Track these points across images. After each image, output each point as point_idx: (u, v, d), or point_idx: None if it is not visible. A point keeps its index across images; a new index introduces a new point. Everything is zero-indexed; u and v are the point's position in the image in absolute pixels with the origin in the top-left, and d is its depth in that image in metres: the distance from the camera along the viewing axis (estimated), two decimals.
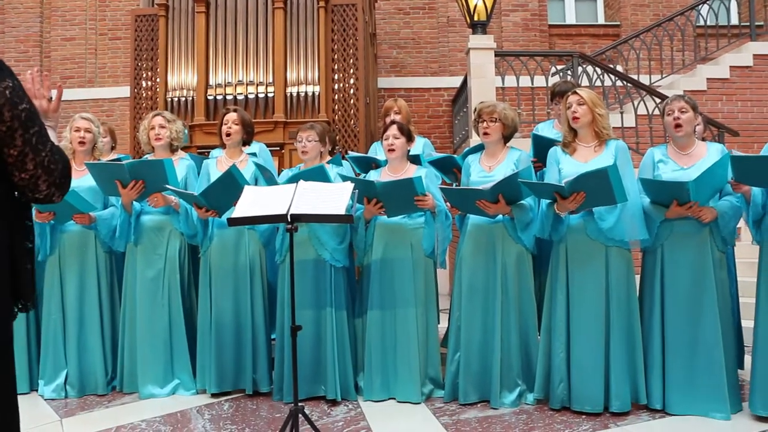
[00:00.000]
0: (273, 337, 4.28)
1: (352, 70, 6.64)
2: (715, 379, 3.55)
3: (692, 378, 3.60)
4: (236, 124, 4.28)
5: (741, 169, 3.39)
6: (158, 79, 6.81)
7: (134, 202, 4.20)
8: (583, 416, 3.63)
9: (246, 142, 4.42)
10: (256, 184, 4.13)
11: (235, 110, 4.37)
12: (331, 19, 6.67)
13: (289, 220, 3.13)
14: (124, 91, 8.73)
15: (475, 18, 7.51)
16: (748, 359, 3.97)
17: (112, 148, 5.33)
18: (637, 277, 3.83)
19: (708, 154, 3.67)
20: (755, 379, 3.52)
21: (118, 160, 4.49)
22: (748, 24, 8.75)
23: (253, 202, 3.33)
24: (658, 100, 6.88)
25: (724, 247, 3.69)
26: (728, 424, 3.49)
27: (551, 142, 4.06)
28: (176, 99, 6.70)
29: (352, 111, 6.61)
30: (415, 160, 4.30)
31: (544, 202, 3.76)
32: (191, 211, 4.20)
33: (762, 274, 3.55)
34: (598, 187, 3.43)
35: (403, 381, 3.95)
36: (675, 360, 3.64)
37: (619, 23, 10.11)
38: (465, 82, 7.86)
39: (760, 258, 3.58)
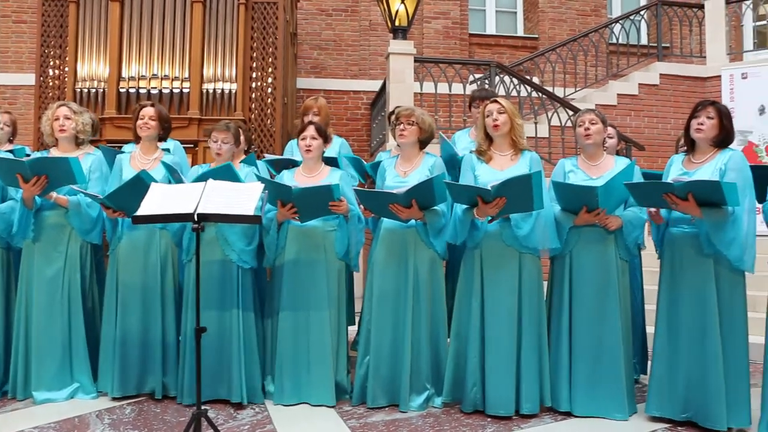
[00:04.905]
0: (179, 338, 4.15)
1: (270, 69, 6.56)
2: (615, 381, 3.69)
3: (595, 380, 3.72)
4: (153, 120, 4.14)
5: (637, 194, 3.55)
6: (67, 68, 6.54)
7: (36, 197, 3.97)
8: (489, 419, 3.69)
9: (162, 138, 4.27)
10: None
11: (152, 105, 4.23)
12: (251, 17, 6.57)
13: (196, 219, 3.04)
14: (29, 78, 8.28)
15: (397, 23, 7.56)
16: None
17: (10, 141, 5.00)
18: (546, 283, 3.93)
19: (615, 166, 3.82)
20: (652, 382, 3.68)
21: (12, 152, 4.25)
22: (656, 45, 9.19)
23: (160, 200, 3.22)
24: (571, 113, 7.12)
25: (627, 255, 3.84)
26: (625, 425, 3.63)
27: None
28: (86, 90, 6.44)
29: (269, 110, 6.52)
30: (330, 161, 4.27)
31: (459, 207, 3.79)
32: (84, 205, 4.02)
33: (662, 285, 3.71)
34: (520, 193, 3.51)
35: (317, 385, 3.91)
36: (580, 363, 3.75)
37: (537, 36, 10.40)
38: (384, 87, 7.89)
39: (661, 269, 3.73)
